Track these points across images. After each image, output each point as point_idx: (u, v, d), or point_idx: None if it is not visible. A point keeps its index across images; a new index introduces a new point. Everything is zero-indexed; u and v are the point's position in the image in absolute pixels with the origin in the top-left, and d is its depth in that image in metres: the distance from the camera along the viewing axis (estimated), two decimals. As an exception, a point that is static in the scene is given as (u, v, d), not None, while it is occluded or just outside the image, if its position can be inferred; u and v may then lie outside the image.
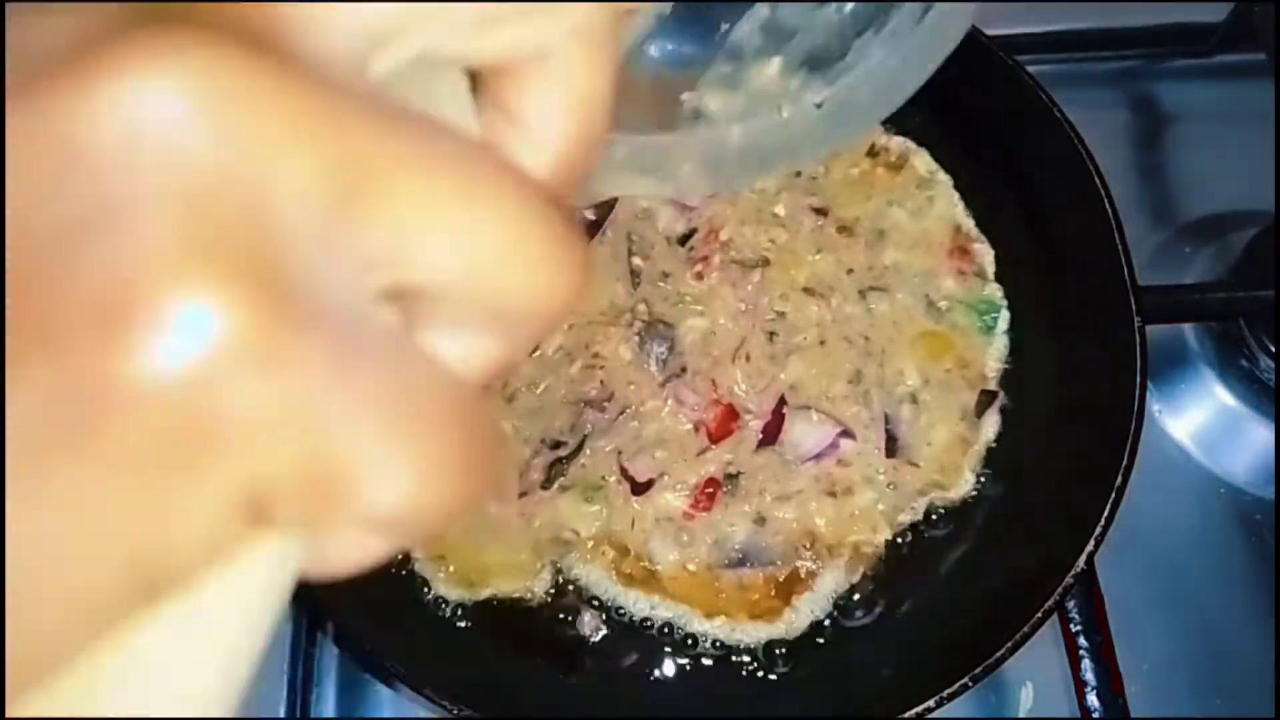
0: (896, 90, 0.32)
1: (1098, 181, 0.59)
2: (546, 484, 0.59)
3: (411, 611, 0.56)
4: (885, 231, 0.66)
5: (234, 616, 0.16)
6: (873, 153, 0.68)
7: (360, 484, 0.14)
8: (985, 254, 0.66)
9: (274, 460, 0.13)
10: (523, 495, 0.59)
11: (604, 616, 0.57)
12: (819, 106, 0.33)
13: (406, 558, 0.57)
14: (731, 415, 0.61)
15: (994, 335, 0.64)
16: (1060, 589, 0.50)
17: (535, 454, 0.59)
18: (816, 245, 0.65)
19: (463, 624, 0.56)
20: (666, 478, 0.59)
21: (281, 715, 0.56)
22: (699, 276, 0.64)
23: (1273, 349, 0.63)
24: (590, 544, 0.58)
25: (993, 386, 0.62)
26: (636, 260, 0.64)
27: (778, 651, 0.56)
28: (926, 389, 0.62)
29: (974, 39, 0.64)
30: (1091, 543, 0.51)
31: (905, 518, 0.59)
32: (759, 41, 0.36)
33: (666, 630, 0.57)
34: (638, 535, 0.58)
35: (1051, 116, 0.61)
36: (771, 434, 0.60)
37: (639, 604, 0.57)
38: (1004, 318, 0.64)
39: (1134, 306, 0.56)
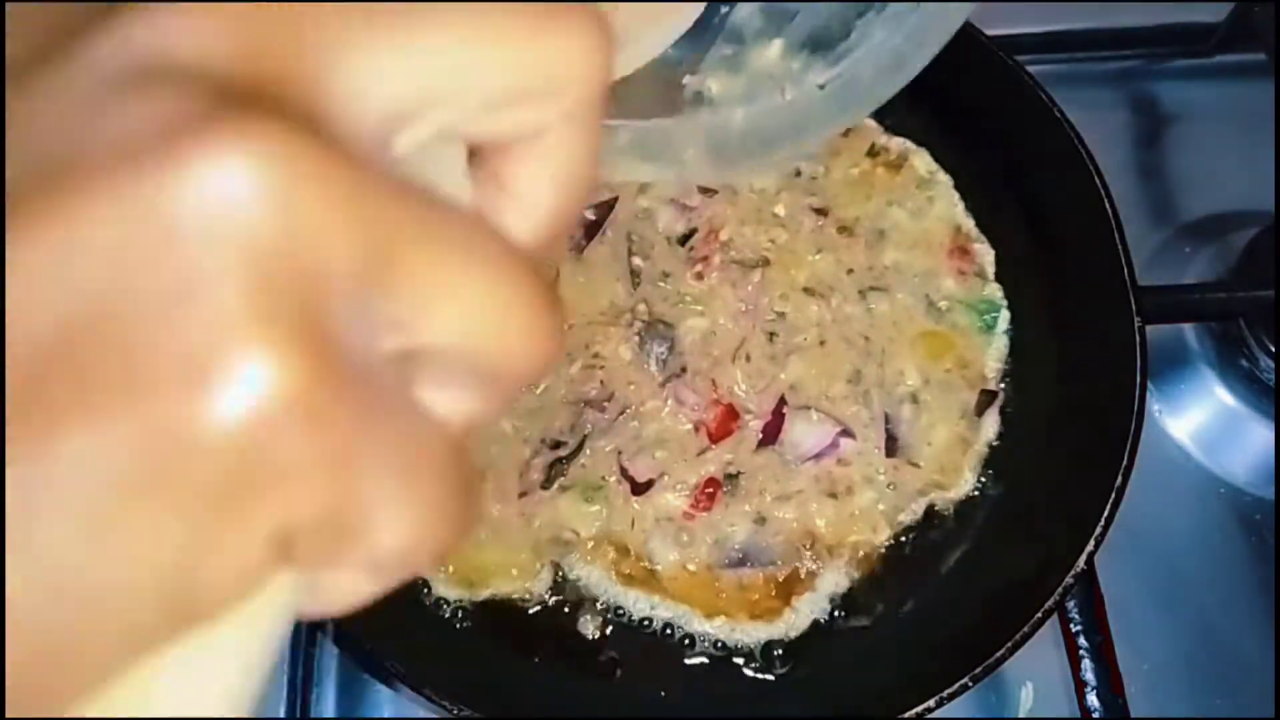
0: (900, 69, 0.32)
1: (1098, 181, 0.59)
2: (546, 484, 0.59)
3: (411, 611, 0.56)
4: (885, 231, 0.66)
5: (251, 643, 0.17)
6: (873, 153, 0.68)
7: (370, 527, 0.16)
8: (985, 254, 0.66)
9: (306, 503, 0.15)
10: (523, 495, 0.59)
11: (604, 616, 0.57)
12: (822, 88, 0.33)
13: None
14: (731, 415, 0.61)
15: (994, 335, 0.64)
16: (1060, 589, 0.50)
17: (535, 454, 0.59)
18: (816, 245, 0.65)
19: (463, 624, 0.56)
20: (666, 478, 0.59)
21: (281, 715, 0.56)
22: (699, 276, 0.64)
23: (1273, 349, 0.63)
24: (590, 544, 0.58)
25: (993, 386, 0.62)
26: (636, 260, 0.64)
27: (777, 652, 0.56)
28: (926, 389, 0.62)
29: (974, 39, 0.64)
30: (1091, 543, 0.51)
31: (905, 518, 0.59)
32: (760, 24, 0.36)
33: (666, 630, 0.57)
34: (638, 535, 0.58)
35: (1051, 116, 0.61)
36: (771, 434, 0.60)
37: (639, 604, 0.57)
38: (1004, 318, 0.64)
39: (1134, 306, 0.56)
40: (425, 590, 0.57)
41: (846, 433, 0.60)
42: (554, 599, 0.57)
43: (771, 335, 0.63)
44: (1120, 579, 0.57)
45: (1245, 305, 0.63)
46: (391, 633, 0.52)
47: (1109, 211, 0.58)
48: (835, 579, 0.58)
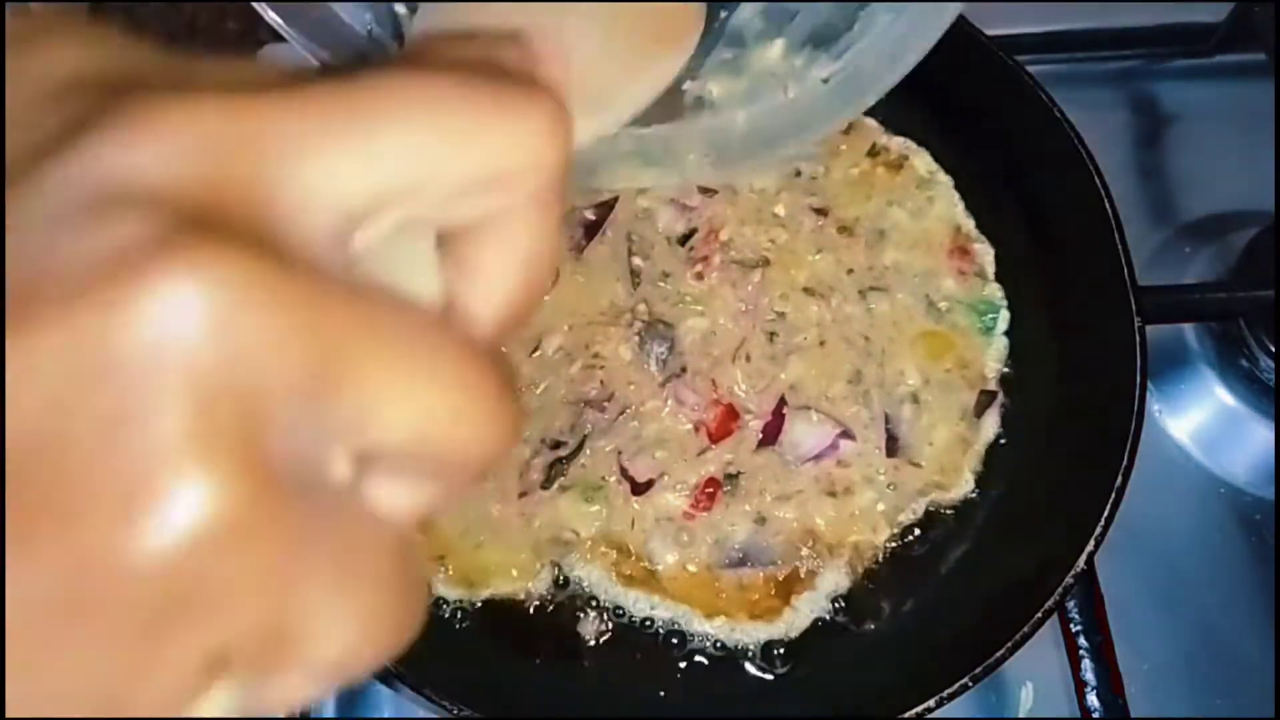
0: (904, 57, 0.32)
1: (1098, 181, 0.59)
2: (546, 484, 0.59)
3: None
4: (885, 231, 0.66)
5: None
6: (873, 153, 0.68)
7: (311, 639, 0.16)
8: (985, 254, 0.66)
9: (242, 623, 0.15)
10: (523, 495, 0.59)
11: (604, 616, 0.57)
12: (825, 81, 0.33)
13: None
14: (731, 415, 0.61)
15: (994, 335, 0.64)
16: (1060, 589, 0.50)
17: (535, 454, 0.59)
18: (816, 245, 0.65)
19: (463, 624, 0.56)
20: (666, 478, 0.59)
21: (281, 715, 0.56)
22: (699, 276, 0.64)
23: (1273, 349, 0.63)
24: (590, 544, 0.58)
25: (993, 386, 0.62)
26: (636, 260, 0.64)
27: (777, 652, 0.56)
28: (926, 389, 0.62)
29: (974, 39, 0.64)
30: (1091, 543, 0.51)
31: (905, 518, 0.59)
32: (760, 25, 0.35)
33: (666, 630, 0.57)
34: (638, 535, 0.58)
35: (1051, 116, 0.61)
36: (771, 434, 0.60)
37: (639, 604, 0.57)
38: (1004, 318, 0.64)
39: (1134, 306, 0.56)
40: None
41: (846, 433, 0.60)
42: (554, 599, 0.57)
43: (771, 335, 0.63)
44: (1120, 579, 0.57)
45: (1245, 305, 0.63)
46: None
47: (1109, 211, 0.58)
48: (835, 579, 0.58)
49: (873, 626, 0.57)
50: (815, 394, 0.61)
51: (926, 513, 0.59)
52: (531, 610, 0.57)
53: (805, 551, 0.58)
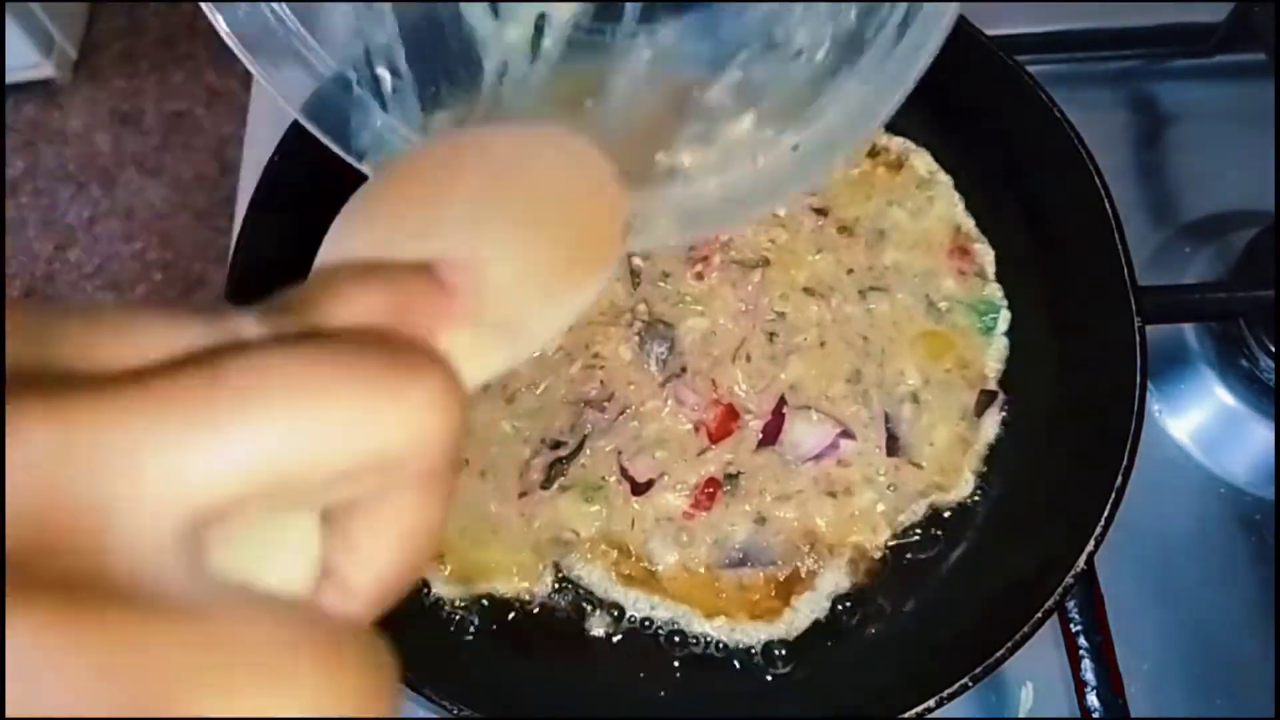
0: (870, 120, 0.32)
1: (1098, 181, 0.59)
2: (546, 484, 0.59)
3: (411, 611, 0.56)
4: (885, 231, 0.66)
5: None
6: (873, 153, 0.68)
7: None
8: (985, 254, 0.66)
9: None
10: (523, 495, 0.59)
11: (604, 617, 0.57)
12: (795, 149, 0.33)
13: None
14: (731, 415, 0.61)
15: (994, 335, 0.64)
16: (1060, 589, 0.50)
17: (535, 454, 0.59)
18: (816, 245, 0.65)
19: (463, 624, 0.56)
20: (666, 478, 0.59)
21: (281, 715, 0.56)
22: (699, 276, 0.64)
23: (1273, 349, 0.63)
24: (590, 544, 0.58)
25: (993, 386, 0.62)
26: (636, 260, 0.64)
27: (778, 652, 0.56)
28: (927, 389, 0.62)
29: (974, 39, 0.64)
30: (1091, 543, 0.51)
31: (905, 518, 0.59)
32: (730, 102, 0.36)
33: (667, 630, 0.57)
34: (638, 535, 0.58)
35: (1051, 116, 0.61)
36: (771, 434, 0.60)
37: (639, 604, 0.57)
38: (1004, 318, 0.64)
39: (1134, 306, 0.56)
40: (425, 590, 0.57)
41: (846, 433, 0.60)
42: (554, 599, 0.57)
43: (771, 335, 0.63)
44: (1120, 579, 0.57)
45: (1245, 305, 0.63)
46: (391, 632, 0.52)
47: (1109, 211, 0.58)
48: (835, 579, 0.58)
49: (873, 627, 0.57)
50: (815, 394, 0.61)
51: (927, 513, 0.59)
52: (531, 610, 0.57)
53: (805, 551, 0.58)
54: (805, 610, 0.57)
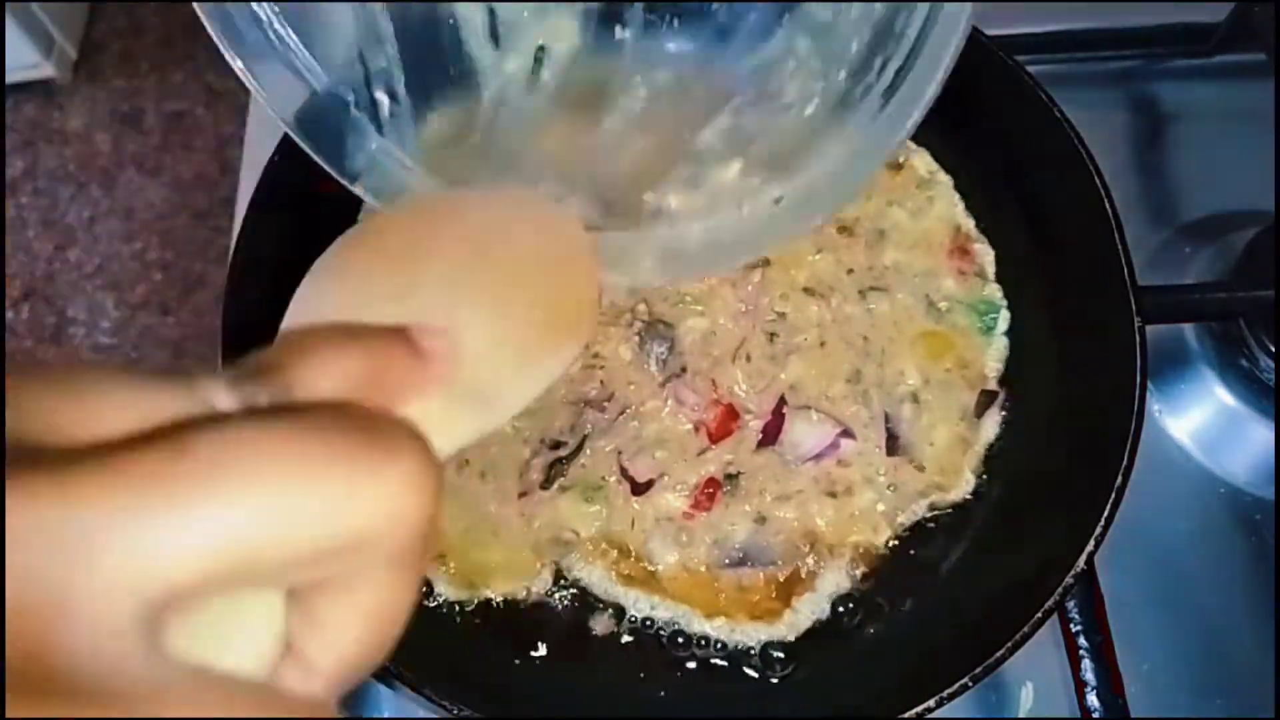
0: (855, 177, 0.32)
1: (1098, 181, 0.59)
2: (546, 484, 0.59)
3: (411, 611, 0.56)
4: (885, 231, 0.66)
5: None
6: (873, 153, 0.68)
7: None
8: (985, 254, 0.66)
9: None
10: (523, 495, 0.59)
11: (604, 617, 0.57)
12: (778, 201, 0.34)
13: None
14: (731, 415, 0.61)
15: (994, 335, 0.64)
16: (1060, 589, 0.50)
17: (535, 454, 0.59)
18: (816, 245, 0.65)
19: (463, 624, 0.56)
20: (666, 478, 0.59)
21: (281, 715, 0.56)
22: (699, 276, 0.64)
23: (1273, 349, 0.63)
24: (590, 544, 0.58)
25: (993, 386, 0.62)
26: (636, 260, 0.64)
27: (778, 653, 0.56)
28: (926, 389, 0.62)
29: (974, 39, 0.63)
30: (1091, 543, 0.51)
31: (905, 518, 0.59)
32: (721, 147, 0.36)
33: (667, 631, 0.57)
34: (638, 535, 0.58)
35: (1051, 116, 0.61)
36: (771, 434, 0.60)
37: (639, 604, 0.57)
38: (1004, 318, 0.64)
39: (1134, 306, 0.56)
40: (426, 590, 0.57)
41: (847, 433, 0.60)
42: (554, 599, 0.57)
43: (771, 335, 0.63)
44: (1120, 579, 0.57)
45: (1245, 305, 0.63)
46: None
47: (1109, 211, 0.58)
48: (835, 579, 0.58)
49: (873, 627, 0.57)
50: (815, 394, 0.61)
51: (927, 513, 0.59)
52: (531, 610, 0.57)
53: (805, 552, 0.58)
54: (806, 611, 0.57)
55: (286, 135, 0.59)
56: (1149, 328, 0.56)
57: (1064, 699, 0.57)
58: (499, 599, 0.57)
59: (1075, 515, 0.53)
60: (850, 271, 0.65)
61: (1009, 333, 0.64)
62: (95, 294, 1.77)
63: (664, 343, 0.62)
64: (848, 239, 0.66)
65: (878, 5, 0.32)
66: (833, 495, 0.59)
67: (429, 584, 0.57)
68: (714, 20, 0.36)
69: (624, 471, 0.59)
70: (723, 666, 0.56)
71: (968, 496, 0.60)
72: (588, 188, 0.36)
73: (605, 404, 0.60)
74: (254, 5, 0.35)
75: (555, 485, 0.59)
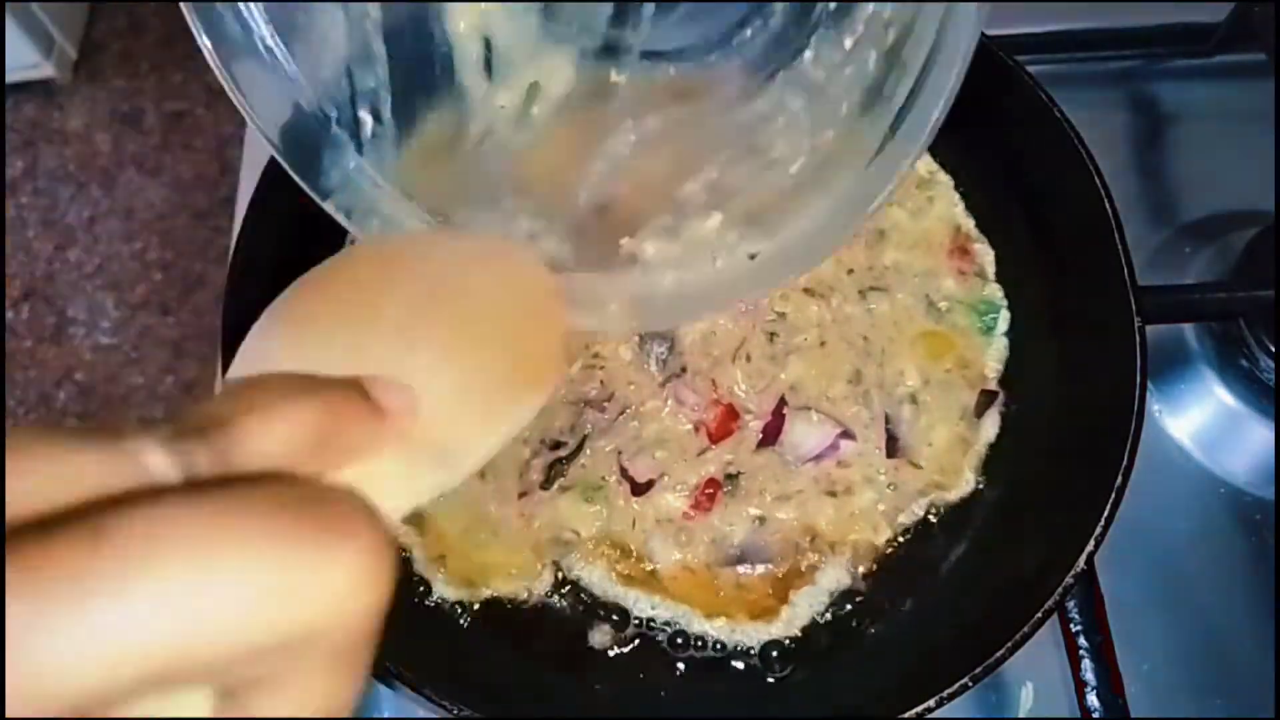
0: (829, 239, 0.33)
1: (1098, 181, 0.59)
2: (546, 484, 0.59)
3: (411, 612, 0.56)
4: (885, 231, 0.66)
5: None
6: (873, 153, 0.68)
7: None
8: (985, 254, 0.66)
9: None
10: (523, 495, 0.59)
11: (604, 617, 0.57)
12: (753, 257, 0.34)
13: (406, 559, 0.57)
14: (731, 415, 0.61)
15: (994, 335, 0.64)
16: (1060, 589, 0.50)
17: (535, 454, 0.59)
18: (816, 245, 0.65)
19: (463, 624, 0.56)
20: (666, 478, 0.59)
21: None
22: (699, 276, 0.64)
23: (1273, 349, 0.63)
24: (590, 544, 0.58)
25: (993, 386, 0.62)
26: (636, 260, 0.64)
27: (777, 652, 0.56)
28: (927, 389, 0.62)
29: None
30: (1091, 543, 0.51)
31: (905, 518, 0.59)
32: (703, 199, 0.36)
33: (667, 630, 0.57)
34: (638, 535, 0.58)
35: (1051, 116, 0.61)
36: (771, 434, 0.60)
37: (639, 604, 0.57)
38: (1004, 318, 0.64)
39: (1134, 306, 0.56)
40: (425, 591, 0.57)
41: (847, 434, 0.60)
42: (554, 599, 0.57)
43: (771, 335, 0.63)
44: (1120, 579, 0.57)
45: (1245, 305, 0.63)
46: (391, 633, 0.52)
47: (1109, 211, 0.58)
48: (835, 579, 0.58)
49: (873, 627, 0.57)
50: (815, 394, 0.61)
51: (926, 513, 0.59)
52: (531, 610, 0.57)
53: (805, 551, 0.58)
54: (804, 606, 0.57)
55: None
56: (1149, 328, 0.56)
57: (1064, 699, 0.57)
58: (499, 599, 0.57)
59: (1075, 515, 0.53)
60: (850, 271, 0.65)
61: (1009, 333, 0.64)
62: (95, 294, 1.77)
63: (664, 343, 0.62)
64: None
65: (871, 67, 0.32)
66: (833, 495, 0.59)
67: (428, 584, 0.57)
68: (710, 71, 0.36)
69: (624, 471, 0.59)
70: (723, 666, 0.56)
71: (968, 496, 0.60)
72: (564, 227, 0.36)
73: (605, 404, 0.60)
74: (244, 14, 0.34)
75: (555, 485, 0.59)
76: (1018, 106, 0.63)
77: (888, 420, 0.61)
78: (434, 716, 0.55)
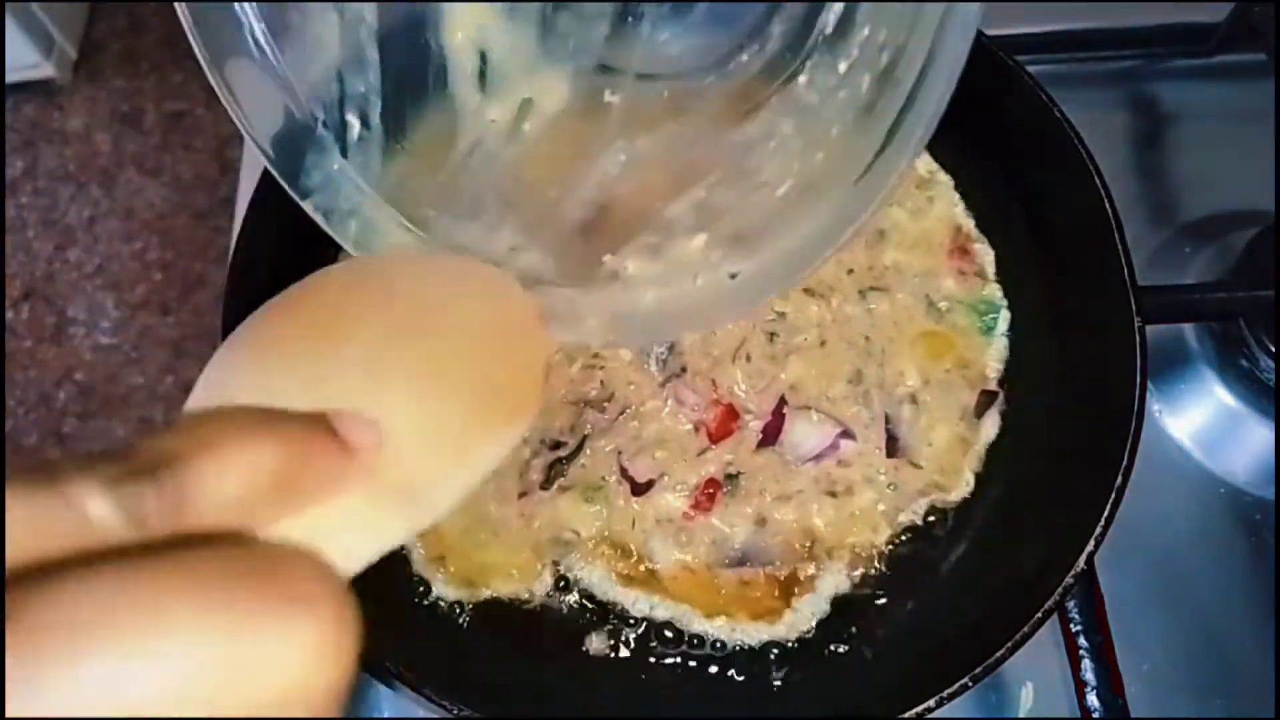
0: (809, 259, 0.32)
1: (1098, 181, 0.59)
2: (546, 484, 0.59)
3: (411, 612, 0.56)
4: (885, 231, 0.66)
5: None
6: (873, 153, 0.68)
7: None
8: (985, 254, 0.66)
9: None
10: (523, 495, 0.59)
11: (604, 617, 0.57)
12: (733, 277, 0.34)
13: (406, 559, 0.57)
14: (731, 415, 0.61)
15: (994, 335, 0.64)
16: (1060, 589, 0.50)
17: (535, 454, 0.59)
18: (816, 245, 0.65)
19: (463, 624, 0.56)
20: (666, 478, 0.59)
21: None
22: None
23: (1273, 349, 0.63)
24: (590, 544, 0.58)
25: (993, 386, 0.62)
26: (636, 260, 0.64)
27: (778, 652, 0.56)
28: (926, 389, 0.62)
29: (974, 39, 0.64)
30: (1091, 543, 0.51)
31: (905, 518, 0.59)
32: (690, 219, 0.36)
33: (667, 630, 0.57)
34: (638, 535, 0.58)
35: (1051, 116, 0.61)
36: (772, 434, 0.60)
37: (639, 604, 0.57)
38: (1004, 318, 0.64)
39: (1134, 306, 0.56)
40: (425, 591, 0.57)
41: (847, 433, 0.60)
42: (554, 599, 0.57)
43: (771, 335, 0.63)
44: (1120, 579, 0.57)
45: (1245, 305, 0.63)
46: (391, 633, 0.52)
47: (1109, 211, 0.58)
48: (835, 579, 0.58)
49: (872, 627, 0.57)
50: (815, 394, 0.61)
51: (926, 513, 0.59)
52: (531, 610, 0.57)
53: (805, 551, 0.58)
54: (805, 610, 0.57)
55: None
56: (1149, 328, 0.56)
57: (1064, 699, 0.57)
58: (499, 599, 0.57)
59: (1075, 515, 0.53)
60: (850, 271, 0.65)
61: (1009, 333, 0.64)
62: (95, 294, 1.77)
63: (664, 343, 0.62)
64: (848, 239, 0.65)
65: (864, 90, 0.32)
66: (833, 495, 0.59)
67: (428, 584, 0.57)
68: (704, 94, 0.36)
69: (624, 472, 0.59)
70: (723, 666, 0.56)
71: (968, 496, 0.60)
72: (548, 242, 0.35)
73: (605, 404, 0.60)
74: (238, 12, 0.34)
75: (555, 485, 0.59)
76: (1018, 106, 0.63)
77: (888, 420, 0.61)
78: (434, 716, 0.55)
